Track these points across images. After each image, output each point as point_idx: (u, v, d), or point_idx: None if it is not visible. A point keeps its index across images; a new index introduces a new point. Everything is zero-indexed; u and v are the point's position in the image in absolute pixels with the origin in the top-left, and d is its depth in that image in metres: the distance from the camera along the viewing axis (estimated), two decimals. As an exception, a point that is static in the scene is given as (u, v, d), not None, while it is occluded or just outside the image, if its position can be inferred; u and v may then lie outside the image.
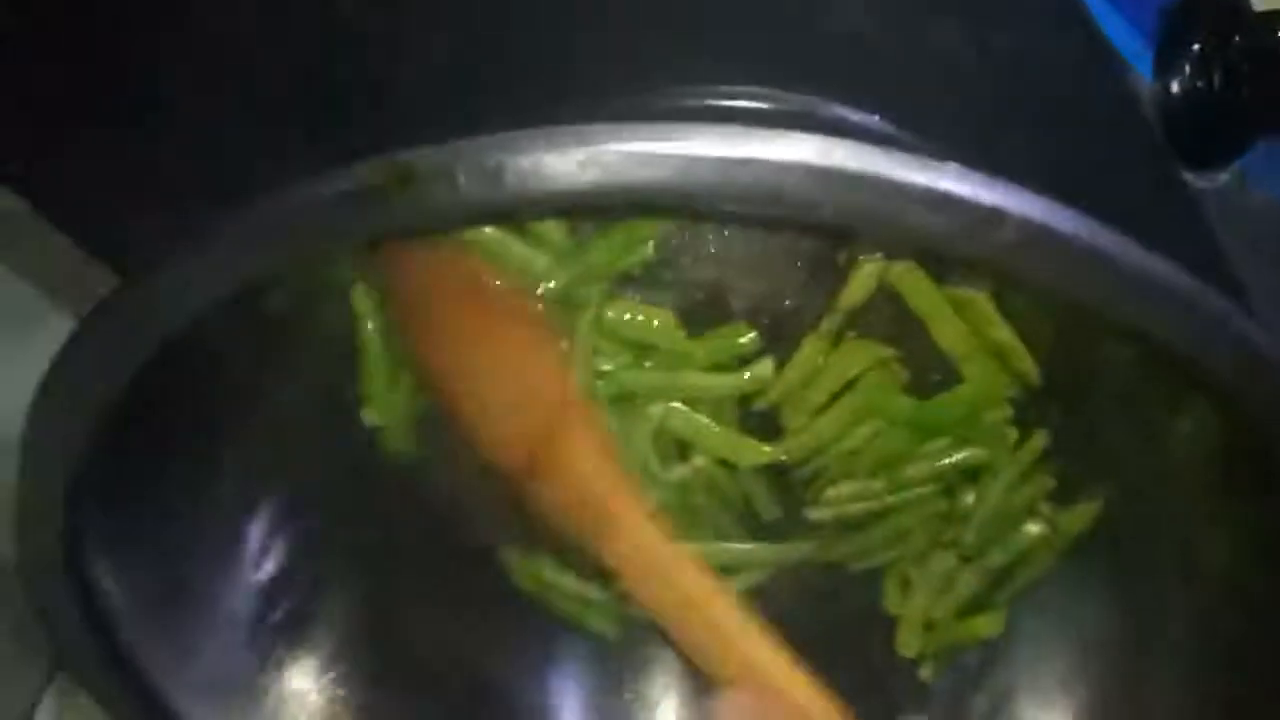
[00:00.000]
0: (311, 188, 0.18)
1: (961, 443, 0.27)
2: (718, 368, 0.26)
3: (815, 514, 0.28)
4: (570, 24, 0.23)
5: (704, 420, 0.26)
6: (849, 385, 0.26)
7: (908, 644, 0.29)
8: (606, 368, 0.25)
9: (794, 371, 0.26)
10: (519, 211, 0.19)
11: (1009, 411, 0.26)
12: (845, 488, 0.27)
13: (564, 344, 0.24)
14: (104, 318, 0.20)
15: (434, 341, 0.24)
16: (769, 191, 0.18)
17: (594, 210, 0.23)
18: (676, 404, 0.26)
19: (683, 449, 0.27)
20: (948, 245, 0.18)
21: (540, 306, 0.23)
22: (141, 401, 0.21)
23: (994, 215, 0.18)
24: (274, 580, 0.28)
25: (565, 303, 0.24)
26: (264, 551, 0.27)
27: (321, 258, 0.20)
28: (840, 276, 0.25)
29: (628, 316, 0.25)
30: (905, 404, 0.26)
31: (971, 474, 0.27)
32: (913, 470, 0.27)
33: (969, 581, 0.28)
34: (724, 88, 0.23)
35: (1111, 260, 0.18)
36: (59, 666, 0.36)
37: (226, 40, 0.24)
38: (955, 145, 0.21)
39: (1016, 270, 0.19)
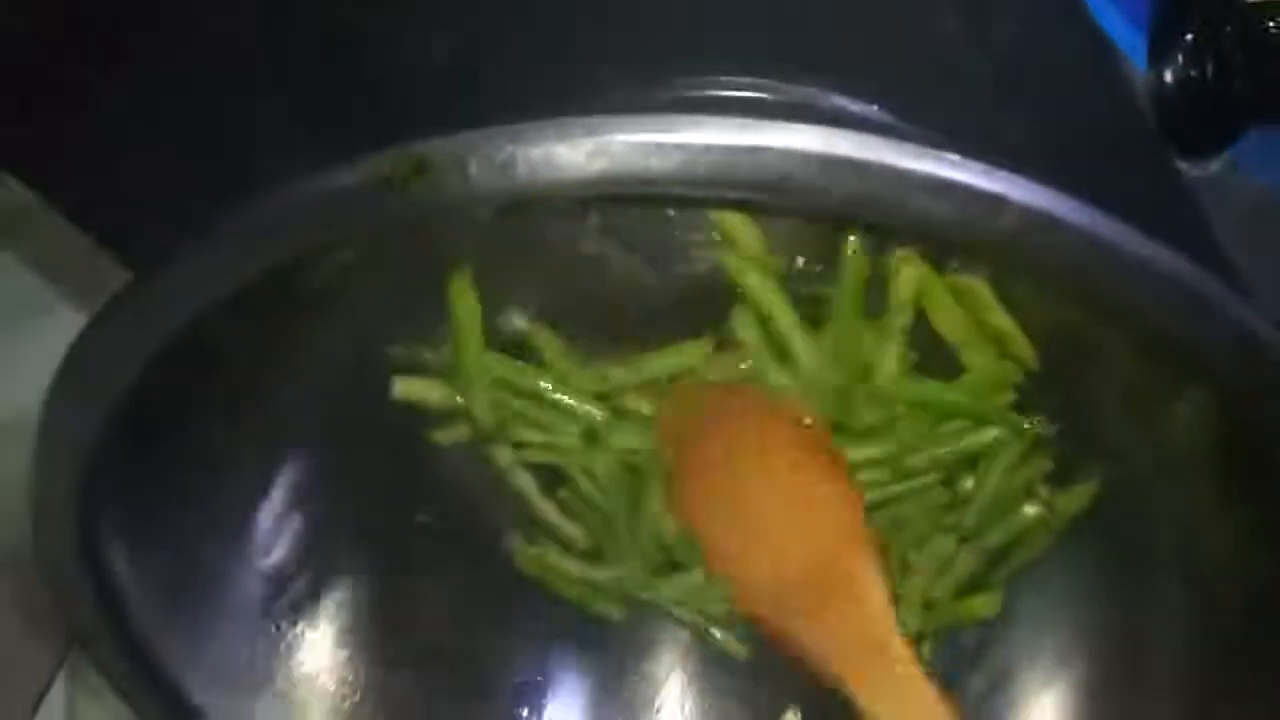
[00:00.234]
0: (326, 178, 0.19)
1: (976, 426, 0.27)
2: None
3: None
4: (572, 19, 0.23)
5: None
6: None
7: (905, 623, 0.30)
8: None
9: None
10: (530, 200, 0.19)
11: (1012, 396, 0.27)
12: (858, 477, 0.27)
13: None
14: (119, 309, 0.21)
15: (713, 478, 0.24)
16: (775, 179, 0.18)
17: (603, 199, 0.24)
18: None
19: None
20: (950, 232, 0.18)
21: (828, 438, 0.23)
22: (155, 391, 0.21)
23: (995, 202, 0.18)
24: (285, 564, 0.28)
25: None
26: (275, 536, 0.28)
27: (335, 245, 0.20)
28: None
29: None
30: (932, 387, 0.26)
31: (971, 460, 0.27)
32: (918, 458, 0.27)
33: (966, 562, 0.29)
34: (725, 79, 0.24)
35: (1111, 247, 0.19)
36: (71, 649, 0.36)
37: (228, 32, 0.24)
38: (952, 135, 0.22)
39: (1017, 256, 0.19)
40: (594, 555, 0.30)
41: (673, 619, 0.31)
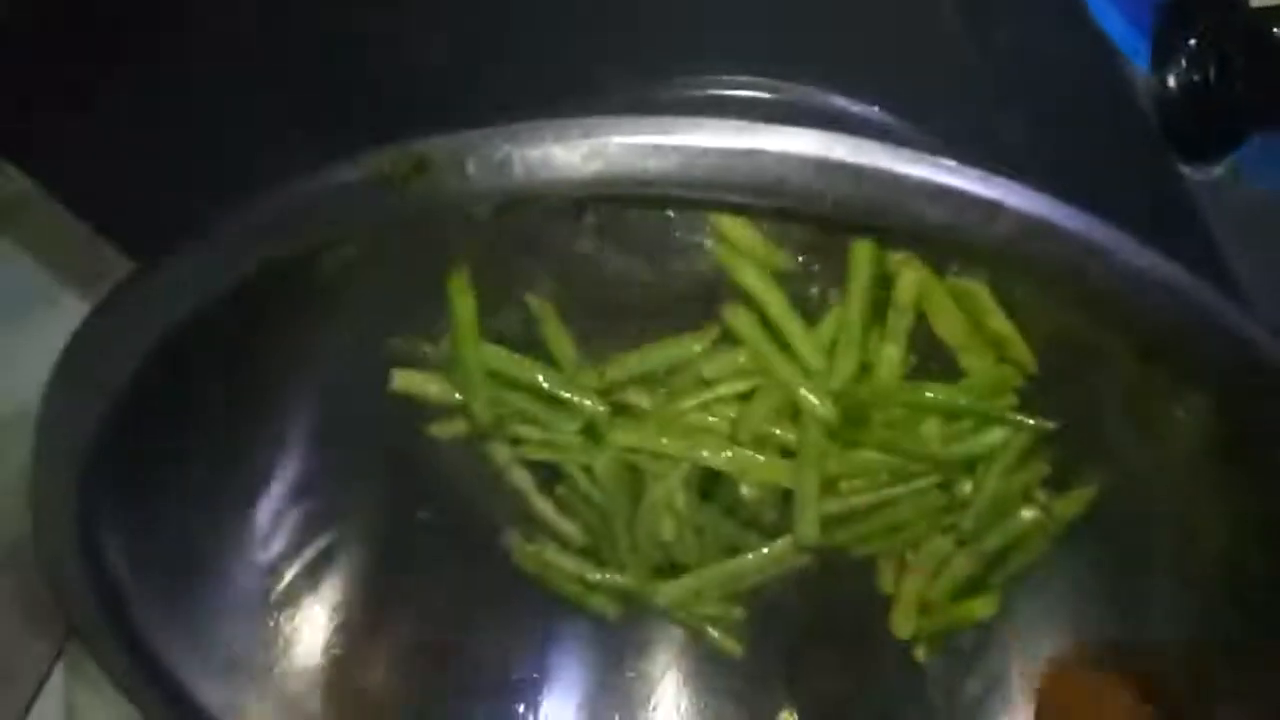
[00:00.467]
0: (326, 175, 0.19)
1: (977, 428, 0.27)
2: None
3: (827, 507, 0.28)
4: (572, 19, 0.23)
5: (747, 454, 0.27)
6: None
7: (902, 626, 0.30)
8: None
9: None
10: (527, 199, 0.19)
11: (1013, 400, 0.27)
12: (856, 480, 0.27)
13: None
14: (118, 302, 0.21)
15: None
16: (771, 183, 0.18)
17: (600, 199, 0.24)
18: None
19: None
20: (945, 237, 0.18)
21: None
22: (154, 384, 0.21)
23: (991, 208, 0.18)
24: (283, 558, 0.28)
25: None
26: (274, 530, 0.28)
27: (335, 242, 0.20)
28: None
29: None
30: (933, 388, 0.26)
31: (970, 464, 0.27)
32: (918, 460, 0.27)
33: (964, 564, 0.29)
34: (726, 79, 0.24)
35: (1106, 253, 0.19)
36: (69, 640, 0.36)
37: (228, 29, 0.24)
38: (953, 137, 0.22)
39: (1013, 262, 0.19)
40: (591, 553, 0.30)
41: (669, 618, 0.31)
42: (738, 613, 0.31)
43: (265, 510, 0.27)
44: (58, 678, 0.37)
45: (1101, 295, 0.19)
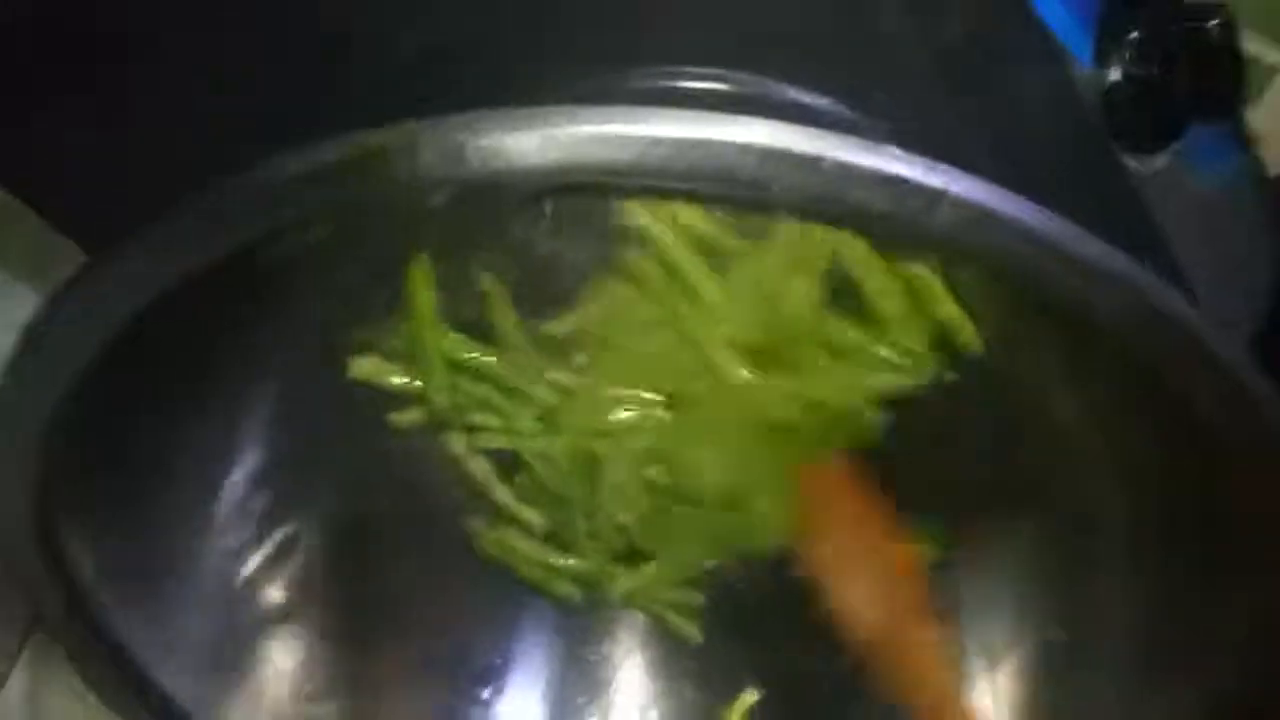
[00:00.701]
0: (280, 164, 0.19)
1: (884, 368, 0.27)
2: None
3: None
4: (533, 13, 0.24)
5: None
6: None
7: None
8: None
9: None
10: (481, 190, 0.19)
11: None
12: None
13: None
14: (73, 292, 0.21)
15: (822, 535, 0.28)
16: (722, 171, 0.19)
17: (555, 190, 0.24)
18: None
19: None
20: (890, 224, 0.19)
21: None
22: (109, 376, 0.21)
23: (934, 196, 0.18)
24: (247, 549, 0.28)
25: None
26: (236, 520, 0.28)
27: (290, 230, 0.21)
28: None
29: None
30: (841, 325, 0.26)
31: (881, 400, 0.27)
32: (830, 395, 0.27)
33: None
34: (681, 70, 0.24)
35: (1049, 241, 0.19)
36: (32, 633, 0.36)
37: (197, 30, 0.24)
38: (902, 128, 0.22)
39: (956, 249, 0.19)
40: (554, 538, 0.31)
41: (630, 605, 0.31)
42: (697, 598, 0.31)
43: (228, 501, 0.28)
44: (22, 669, 0.37)
45: (1045, 282, 0.20)
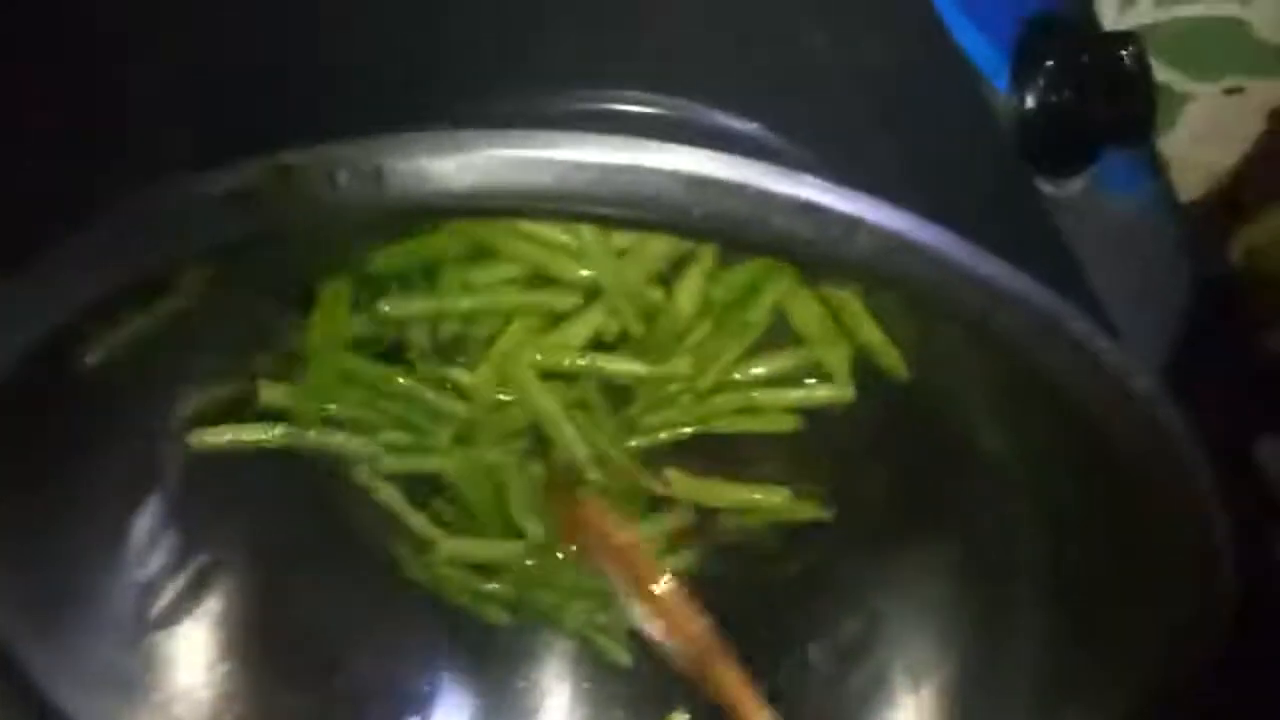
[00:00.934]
0: (190, 187, 0.19)
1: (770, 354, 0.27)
2: None
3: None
4: (469, 31, 0.23)
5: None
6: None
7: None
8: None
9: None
10: (399, 214, 0.19)
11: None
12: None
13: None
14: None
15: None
16: (643, 198, 0.19)
17: (474, 213, 0.24)
18: None
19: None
20: (811, 250, 0.19)
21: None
22: (14, 402, 0.21)
23: (851, 224, 0.19)
24: (160, 576, 0.27)
25: None
26: (149, 549, 0.27)
27: (203, 258, 0.20)
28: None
29: None
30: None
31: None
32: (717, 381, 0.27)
33: None
34: (610, 93, 0.24)
35: (963, 269, 0.19)
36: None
37: (99, 44, 0.24)
38: (826, 153, 0.22)
39: (874, 275, 0.20)
40: (480, 564, 0.30)
41: (557, 628, 0.31)
42: (626, 621, 0.31)
43: (140, 528, 0.27)
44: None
45: (959, 310, 0.20)
